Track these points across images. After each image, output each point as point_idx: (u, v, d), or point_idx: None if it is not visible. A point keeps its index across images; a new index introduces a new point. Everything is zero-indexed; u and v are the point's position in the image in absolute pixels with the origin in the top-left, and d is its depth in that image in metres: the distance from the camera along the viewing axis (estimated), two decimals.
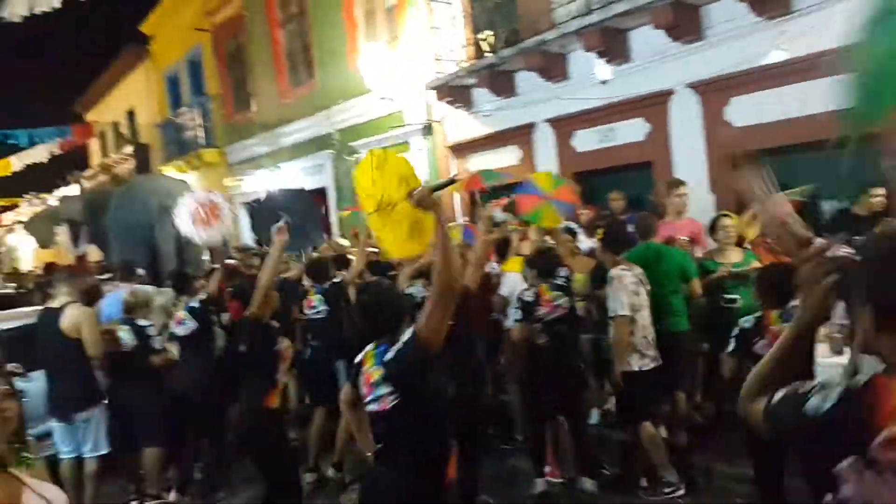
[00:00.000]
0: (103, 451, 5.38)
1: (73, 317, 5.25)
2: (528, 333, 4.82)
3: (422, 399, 2.73)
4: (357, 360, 2.92)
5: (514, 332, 4.88)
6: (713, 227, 5.77)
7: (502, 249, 6.25)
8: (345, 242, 10.11)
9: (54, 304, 5.46)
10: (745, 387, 1.63)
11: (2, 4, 8.11)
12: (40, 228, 15.01)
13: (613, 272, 4.87)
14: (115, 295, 6.66)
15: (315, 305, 5.97)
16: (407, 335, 2.75)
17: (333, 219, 12.79)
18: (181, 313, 5.67)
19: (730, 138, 6.84)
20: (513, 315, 4.86)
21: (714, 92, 6.87)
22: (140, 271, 8.12)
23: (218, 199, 5.92)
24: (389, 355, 2.75)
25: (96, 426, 5.38)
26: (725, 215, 5.82)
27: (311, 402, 6.16)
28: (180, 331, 5.60)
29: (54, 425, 5.32)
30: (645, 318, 4.87)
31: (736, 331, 3.96)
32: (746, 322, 3.92)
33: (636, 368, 4.78)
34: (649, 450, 4.75)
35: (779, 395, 1.46)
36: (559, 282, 5.07)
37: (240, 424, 4.42)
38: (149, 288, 6.84)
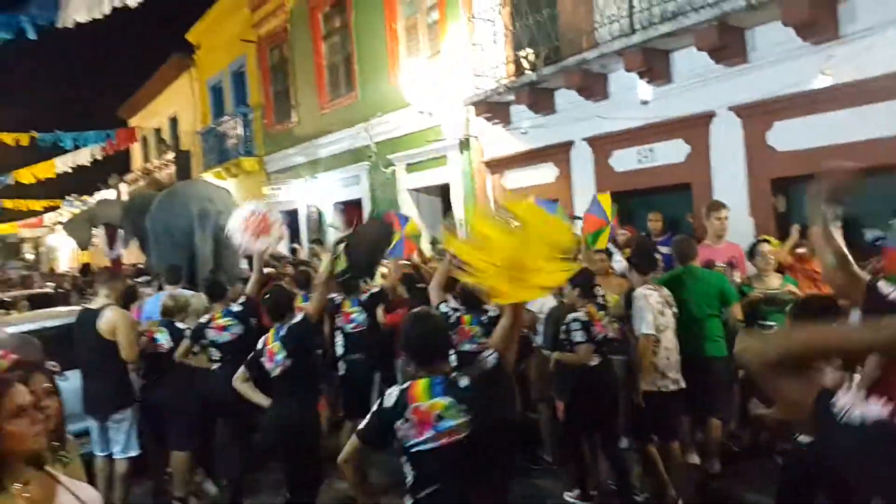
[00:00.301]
0: (133, 453, 5.47)
1: (110, 319, 5.36)
2: (591, 354, 4.80)
3: (494, 425, 2.66)
4: (392, 403, 2.65)
5: (581, 352, 4.79)
6: (752, 252, 5.72)
7: None
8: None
9: (93, 305, 5.60)
10: (774, 340, 1.59)
11: (57, 11, 8.39)
12: (79, 230, 15.39)
13: (639, 291, 4.98)
14: (157, 297, 6.80)
15: (354, 318, 5.99)
16: (491, 359, 2.70)
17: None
18: (223, 320, 5.56)
19: (772, 163, 6.77)
20: (576, 336, 4.78)
21: (757, 116, 6.80)
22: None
23: (271, 212, 6.01)
24: (464, 382, 2.63)
25: (128, 428, 5.48)
26: (765, 241, 5.76)
27: (346, 416, 6.12)
28: (225, 337, 5.51)
29: (90, 424, 5.43)
30: (669, 339, 4.93)
31: None
32: None
33: (656, 388, 4.83)
34: (666, 469, 4.79)
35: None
36: (600, 301, 5.08)
37: (287, 431, 4.43)
38: (187, 292, 6.95)
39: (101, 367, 5.38)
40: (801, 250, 5.77)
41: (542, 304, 5.62)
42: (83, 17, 8.12)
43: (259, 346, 4.59)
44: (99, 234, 14.57)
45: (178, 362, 5.58)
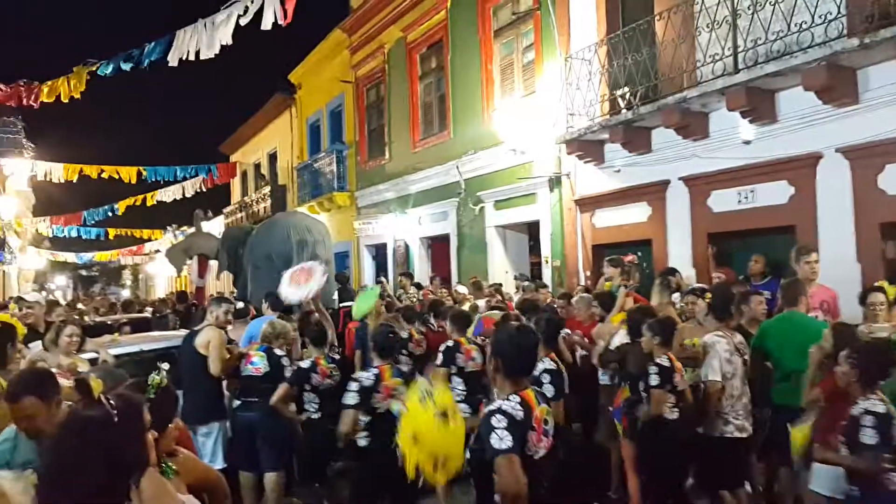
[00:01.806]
0: (219, 466, 5.58)
1: (205, 336, 5.79)
2: (666, 400, 4.70)
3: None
4: (523, 415, 2.77)
5: (655, 397, 4.72)
6: (864, 300, 5.44)
7: (607, 304, 6.35)
8: (462, 289, 10.28)
9: (198, 327, 6.05)
10: None
11: (169, 50, 9.01)
12: (176, 258, 16.32)
13: (708, 339, 5.01)
14: (258, 322, 7.06)
15: (475, 357, 5.85)
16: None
17: (454, 266, 13.02)
18: (328, 366, 5.70)
19: (882, 207, 6.48)
20: (652, 379, 4.71)
21: (867, 158, 6.55)
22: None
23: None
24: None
25: (214, 441, 5.75)
26: (879, 289, 5.46)
27: None
28: (327, 384, 5.65)
29: None
30: (735, 386, 4.90)
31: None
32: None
33: (721, 434, 4.82)
34: None
35: None
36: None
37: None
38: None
39: (194, 380, 5.73)
40: None
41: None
42: (192, 55, 8.70)
43: (370, 381, 4.56)
44: (192, 264, 15.39)
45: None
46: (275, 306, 7.27)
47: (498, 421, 2.68)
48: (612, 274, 7.20)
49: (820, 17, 6.33)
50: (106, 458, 1.84)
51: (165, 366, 3.16)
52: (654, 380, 4.69)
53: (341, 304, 8.99)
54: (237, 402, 5.90)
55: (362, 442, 4.58)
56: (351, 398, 4.46)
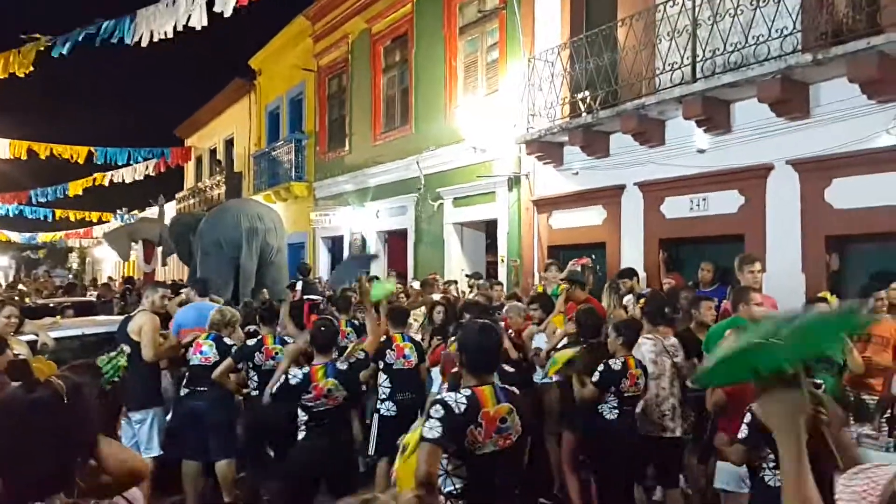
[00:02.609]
0: (154, 454, 5.64)
1: (137, 322, 5.74)
2: (595, 396, 4.75)
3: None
4: (463, 409, 2.81)
5: (587, 389, 4.77)
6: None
7: (547, 306, 6.46)
8: (417, 285, 10.26)
9: (134, 312, 5.99)
10: None
11: (127, 29, 8.74)
12: (119, 242, 16.00)
13: (642, 340, 5.20)
14: (187, 309, 6.96)
15: (407, 354, 5.86)
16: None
17: (410, 261, 12.98)
18: (273, 346, 5.72)
19: (828, 220, 6.67)
20: (595, 375, 4.74)
21: (816, 171, 6.73)
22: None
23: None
24: (516, 391, 3.04)
25: (149, 428, 5.67)
26: (822, 300, 5.61)
27: (378, 453, 5.77)
28: (270, 364, 5.61)
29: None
30: (662, 387, 5.09)
31: None
32: None
33: (646, 433, 4.97)
34: None
35: None
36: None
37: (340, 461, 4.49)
38: (209, 304, 7.14)
39: (129, 366, 5.49)
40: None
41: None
42: (148, 36, 8.46)
43: (297, 379, 4.40)
44: (137, 249, 15.13)
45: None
46: (202, 293, 7.23)
47: (436, 411, 2.77)
48: (551, 277, 7.49)
49: (776, 31, 6.47)
50: (55, 442, 1.78)
51: (126, 349, 3.08)
52: (596, 376, 4.72)
53: (306, 297, 8.85)
54: (185, 391, 5.79)
55: (301, 435, 4.56)
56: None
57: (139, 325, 5.70)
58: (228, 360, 5.56)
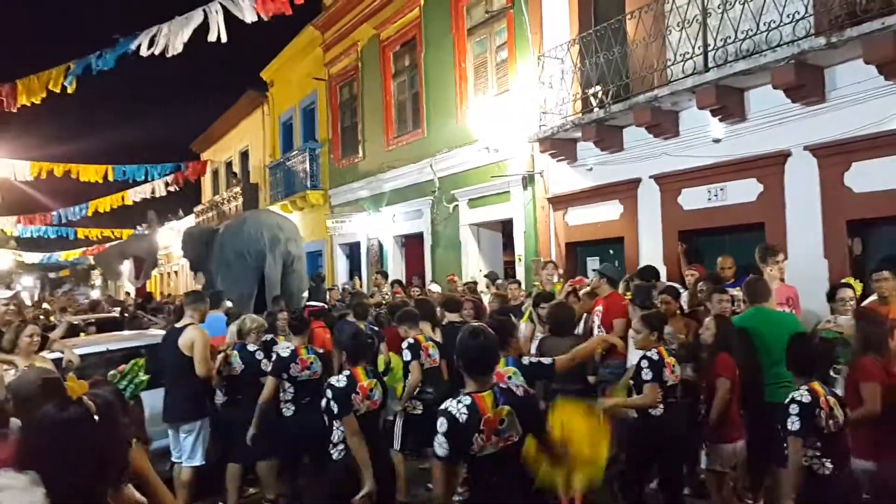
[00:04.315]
0: (196, 463, 5.76)
1: (189, 336, 5.76)
2: (657, 396, 4.63)
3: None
4: (466, 418, 2.87)
5: (647, 391, 4.65)
6: (832, 296, 5.50)
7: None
8: (437, 288, 10.27)
9: (179, 324, 6.07)
10: None
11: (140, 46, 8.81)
12: (109, 262, 16.32)
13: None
14: (211, 318, 6.99)
15: (431, 354, 5.89)
16: None
17: (428, 264, 12.99)
18: (308, 356, 5.56)
19: (848, 204, 6.58)
20: (644, 374, 4.65)
21: (834, 156, 6.64)
22: (228, 303, 8.66)
23: None
24: (520, 392, 3.04)
25: (194, 439, 5.76)
26: (847, 285, 5.53)
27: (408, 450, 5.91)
28: (305, 375, 5.51)
29: (171, 433, 5.86)
30: None
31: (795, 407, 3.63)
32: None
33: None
34: None
35: None
36: (673, 347, 4.97)
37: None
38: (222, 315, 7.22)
39: (178, 379, 5.74)
40: (871, 299, 5.50)
41: None
42: (162, 49, 8.52)
43: (343, 383, 4.20)
44: (127, 266, 15.42)
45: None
46: (214, 305, 7.36)
47: (441, 424, 2.83)
48: (546, 276, 7.79)
49: (788, 16, 6.40)
50: (88, 459, 1.80)
51: (141, 361, 3.11)
52: (646, 374, 4.63)
53: (307, 304, 8.91)
54: (223, 400, 6.01)
55: (287, 412, 5.01)
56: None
57: (191, 340, 5.70)
58: (271, 380, 5.47)
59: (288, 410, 5.49)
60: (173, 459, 5.83)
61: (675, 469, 4.86)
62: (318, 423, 4.48)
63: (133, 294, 24.12)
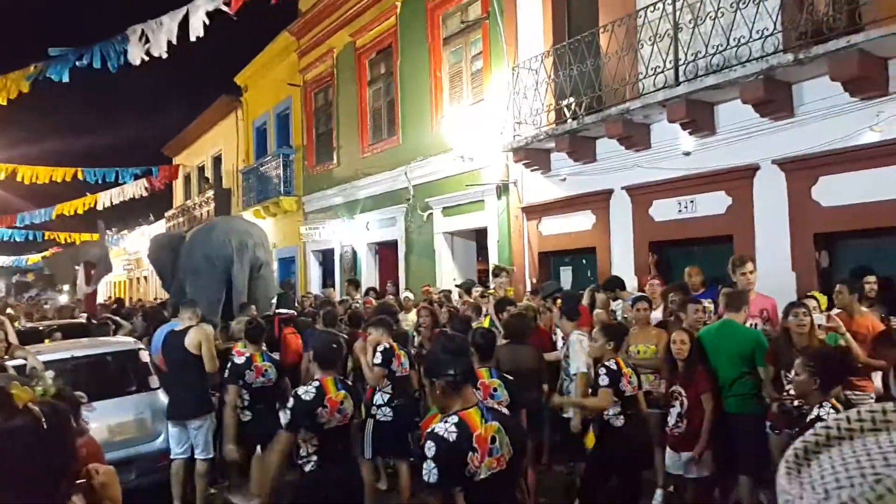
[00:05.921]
0: (208, 456, 6.14)
1: (195, 336, 6.13)
2: (610, 400, 4.68)
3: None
4: (456, 437, 2.64)
5: (601, 394, 4.70)
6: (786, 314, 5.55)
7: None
8: (410, 295, 10.23)
9: (178, 327, 6.41)
10: None
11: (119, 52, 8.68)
12: (61, 266, 16.17)
13: (574, 336, 5.60)
14: (163, 329, 7.17)
15: (403, 363, 5.89)
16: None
17: (402, 272, 12.95)
18: (263, 363, 5.97)
19: (816, 218, 6.70)
20: (601, 379, 4.69)
21: (802, 170, 6.76)
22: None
23: None
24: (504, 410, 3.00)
25: (206, 433, 6.12)
26: (811, 296, 5.62)
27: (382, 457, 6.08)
28: (260, 382, 5.94)
29: (171, 430, 6.08)
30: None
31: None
32: None
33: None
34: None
35: None
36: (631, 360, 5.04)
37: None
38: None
39: (185, 378, 6.09)
40: (834, 311, 5.58)
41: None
42: (139, 57, 8.41)
43: (310, 396, 3.92)
44: (79, 271, 15.27)
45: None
46: (174, 314, 7.61)
47: (429, 448, 2.59)
48: (499, 284, 8.18)
49: (757, 32, 6.51)
50: (36, 472, 1.74)
51: (50, 373, 3.02)
52: (602, 380, 4.69)
53: (277, 311, 8.83)
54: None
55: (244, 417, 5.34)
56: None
57: (198, 340, 6.07)
58: (232, 387, 5.85)
59: (245, 416, 5.85)
60: (175, 455, 6.02)
61: (633, 479, 4.87)
62: (275, 428, 4.42)
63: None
